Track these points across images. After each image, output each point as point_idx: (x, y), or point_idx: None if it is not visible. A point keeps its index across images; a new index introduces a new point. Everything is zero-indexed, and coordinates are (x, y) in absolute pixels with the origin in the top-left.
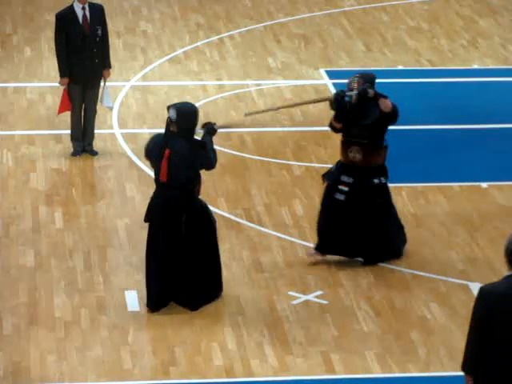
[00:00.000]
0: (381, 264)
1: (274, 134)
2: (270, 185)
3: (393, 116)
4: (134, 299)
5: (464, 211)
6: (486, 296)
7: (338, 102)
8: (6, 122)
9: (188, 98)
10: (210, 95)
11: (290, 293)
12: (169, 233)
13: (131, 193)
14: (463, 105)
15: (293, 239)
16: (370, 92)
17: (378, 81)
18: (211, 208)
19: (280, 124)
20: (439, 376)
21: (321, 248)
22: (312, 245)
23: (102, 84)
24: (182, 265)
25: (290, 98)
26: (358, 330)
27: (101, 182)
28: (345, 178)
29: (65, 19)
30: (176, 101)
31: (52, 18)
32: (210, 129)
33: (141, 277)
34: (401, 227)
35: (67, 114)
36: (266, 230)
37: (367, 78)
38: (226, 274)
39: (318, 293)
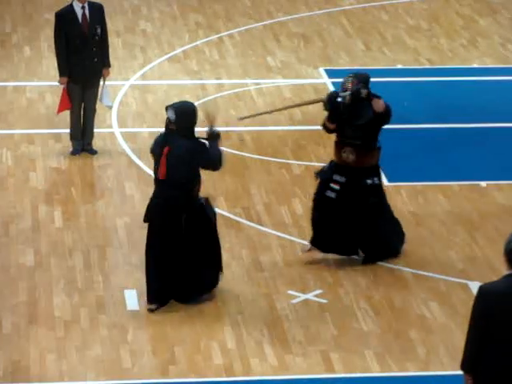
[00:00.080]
0: (380, 263)
1: (274, 133)
2: (269, 184)
3: (386, 116)
4: (133, 298)
5: (464, 210)
6: (486, 295)
7: (332, 102)
8: (6, 121)
9: (187, 97)
10: (210, 94)
11: (290, 292)
12: (168, 232)
13: (131, 192)
14: (463, 104)
15: (292, 238)
16: (363, 92)
17: (377, 80)
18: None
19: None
20: (439, 375)
21: (315, 242)
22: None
23: (101, 83)
24: (182, 263)
25: (290, 97)
26: (357, 329)
27: (100, 180)
28: (337, 177)
29: (64, 18)
30: (175, 100)
31: (51, 17)
32: (210, 135)
33: (140, 276)
34: (398, 226)
35: (67, 113)
36: (266, 229)
37: (361, 78)
38: (225, 273)
39: (318, 292)
